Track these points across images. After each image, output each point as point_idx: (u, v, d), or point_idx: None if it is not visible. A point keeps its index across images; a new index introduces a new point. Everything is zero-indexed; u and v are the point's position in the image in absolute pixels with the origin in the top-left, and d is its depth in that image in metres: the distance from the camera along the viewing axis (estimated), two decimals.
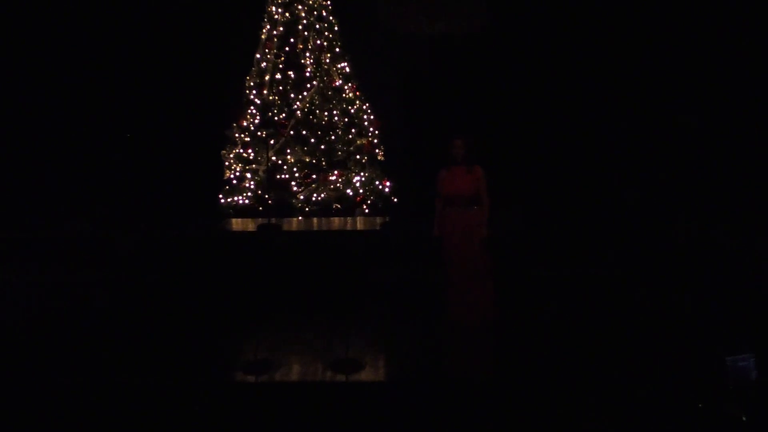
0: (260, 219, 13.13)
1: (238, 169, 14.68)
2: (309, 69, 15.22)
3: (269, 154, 14.24)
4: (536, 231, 10.50)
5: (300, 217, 13.91)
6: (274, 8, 15.35)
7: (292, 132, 14.86)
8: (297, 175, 14.58)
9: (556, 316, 8.91)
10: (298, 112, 14.96)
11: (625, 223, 10.42)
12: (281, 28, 15.32)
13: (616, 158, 10.96)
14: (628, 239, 10.15)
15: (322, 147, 14.79)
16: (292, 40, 15.30)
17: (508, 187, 9.79)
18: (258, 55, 15.18)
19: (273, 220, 11.95)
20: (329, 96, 15.19)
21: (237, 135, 14.89)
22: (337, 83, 15.26)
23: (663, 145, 10.71)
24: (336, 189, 14.46)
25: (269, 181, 14.21)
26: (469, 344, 7.95)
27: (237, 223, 12.98)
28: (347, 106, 15.13)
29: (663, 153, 10.68)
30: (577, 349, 7.54)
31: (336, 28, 15.44)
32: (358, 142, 14.92)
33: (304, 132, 14.85)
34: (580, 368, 6.97)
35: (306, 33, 15.35)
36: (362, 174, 14.59)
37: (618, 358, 7.12)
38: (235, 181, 14.54)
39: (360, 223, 12.85)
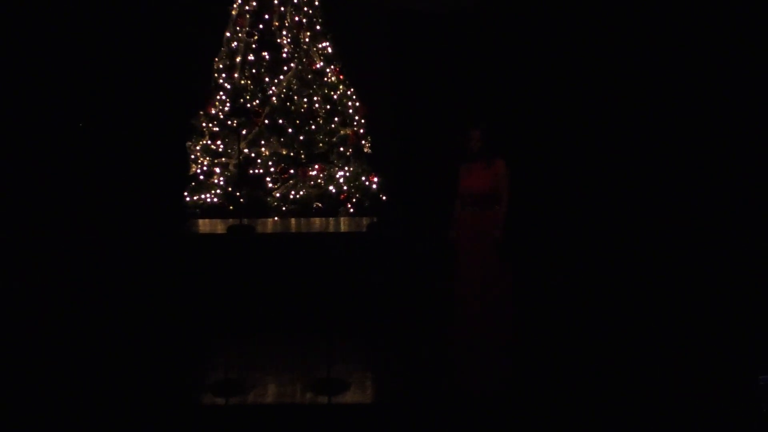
0: (231, 220, 13.13)
1: (205, 163, 14.67)
2: (286, 49, 15.22)
3: (241, 146, 14.24)
4: (556, 234, 10.52)
5: (276, 218, 13.91)
6: None
7: (266, 121, 14.86)
8: (272, 169, 14.58)
9: (574, 329, 8.96)
10: (274, 98, 14.96)
11: (655, 227, 10.47)
12: (254, 3, 15.32)
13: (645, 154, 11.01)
14: (655, 245, 10.20)
15: (301, 138, 14.80)
16: (266, 16, 15.30)
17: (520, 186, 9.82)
18: (228, 34, 15.17)
19: (245, 221, 11.95)
20: (309, 80, 15.20)
21: (204, 124, 14.89)
22: (318, 65, 15.27)
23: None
24: (317, 185, 14.46)
25: (241, 177, 14.21)
26: (477, 361, 7.97)
27: (204, 225, 12.97)
28: (329, 91, 15.13)
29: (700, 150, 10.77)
30: (596, 366, 7.58)
31: (317, 3, 15.45)
32: (342, 132, 14.92)
33: (280, 121, 14.85)
34: (598, 387, 7.01)
35: (282, 8, 15.36)
36: (346, 168, 14.60)
37: (641, 378, 7.15)
38: (201, 177, 14.53)
39: (344, 225, 12.85)
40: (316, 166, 14.66)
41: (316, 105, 15.02)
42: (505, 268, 8.49)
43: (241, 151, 14.22)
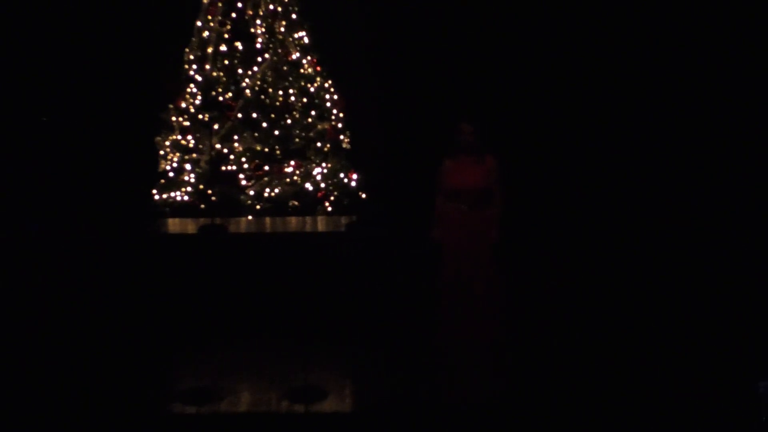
0: (202, 219, 13.09)
1: (175, 159, 14.63)
2: (260, 39, 15.20)
3: (213, 142, 14.21)
4: (550, 235, 10.53)
5: (250, 217, 13.89)
6: None
7: (240, 115, 14.83)
8: (246, 166, 14.55)
9: (568, 334, 8.97)
10: (248, 91, 14.94)
11: (654, 227, 10.50)
12: None
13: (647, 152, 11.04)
14: (653, 246, 10.24)
15: (276, 133, 14.78)
16: (240, 4, 15.27)
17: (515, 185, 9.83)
18: (199, 23, 15.13)
19: (217, 221, 11.92)
20: (285, 72, 15.18)
21: (174, 119, 14.84)
22: (294, 56, 15.26)
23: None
24: (293, 183, 14.45)
25: (213, 174, 14.18)
26: (465, 367, 7.96)
27: (174, 224, 12.93)
28: (306, 83, 15.12)
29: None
30: (592, 372, 7.60)
31: None
32: (320, 126, 14.92)
33: (254, 115, 14.83)
34: (594, 393, 7.02)
35: None
36: (324, 165, 14.59)
37: (640, 384, 7.17)
38: (171, 174, 14.49)
39: (322, 224, 12.84)
40: (292, 163, 14.64)
41: (292, 98, 15.01)
42: (497, 270, 8.48)
43: (213, 147, 14.19)
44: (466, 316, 8.36)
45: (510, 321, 8.56)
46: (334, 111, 14.97)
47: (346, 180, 14.40)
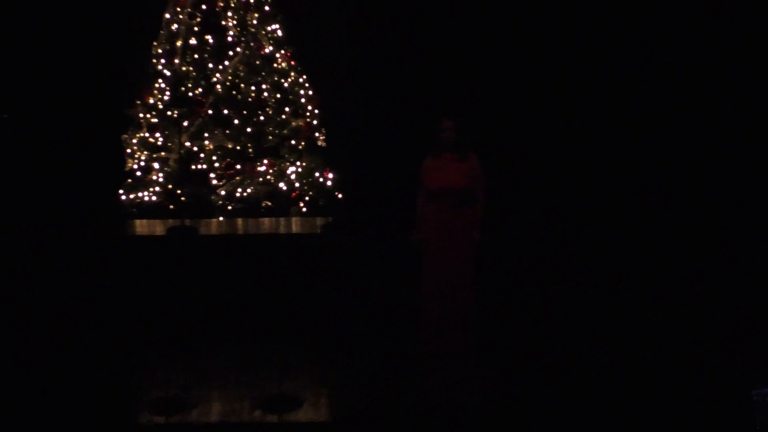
0: (171, 220, 13.07)
1: (143, 157, 14.60)
2: (232, 32, 15.18)
3: (182, 139, 14.18)
4: (534, 239, 10.55)
5: (221, 218, 13.87)
6: None
7: (210, 111, 14.82)
8: (217, 165, 14.54)
9: (553, 339, 8.99)
10: (219, 86, 14.92)
11: (637, 229, 10.55)
12: None
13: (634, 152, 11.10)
14: (638, 248, 10.27)
15: (249, 130, 14.78)
16: None
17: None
18: (168, 15, 15.10)
19: (187, 222, 11.89)
20: (257, 66, 15.18)
21: (141, 115, 14.81)
22: (267, 50, 15.25)
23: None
24: (266, 182, 14.45)
25: (182, 173, 14.15)
26: (445, 371, 7.97)
27: (142, 226, 12.89)
28: (280, 78, 15.12)
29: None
30: (579, 380, 7.61)
31: None
32: (294, 123, 14.92)
33: (225, 111, 14.82)
34: (582, 401, 7.03)
35: None
36: (299, 163, 14.59)
37: (631, 394, 7.18)
38: (139, 173, 14.46)
39: (296, 225, 12.83)
40: (265, 161, 14.64)
41: (265, 93, 15.01)
42: (475, 270, 8.49)
43: (182, 145, 14.16)
44: (447, 319, 8.36)
45: (486, 325, 8.59)
46: (309, 107, 14.98)
47: (321, 179, 14.40)
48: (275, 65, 15.21)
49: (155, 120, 14.80)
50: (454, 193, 8.36)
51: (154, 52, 14.95)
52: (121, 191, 14.14)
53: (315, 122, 14.85)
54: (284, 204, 14.22)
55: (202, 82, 14.97)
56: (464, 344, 8.37)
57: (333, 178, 14.27)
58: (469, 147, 8.55)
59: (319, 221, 12.88)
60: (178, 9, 15.16)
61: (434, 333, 8.39)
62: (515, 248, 10.37)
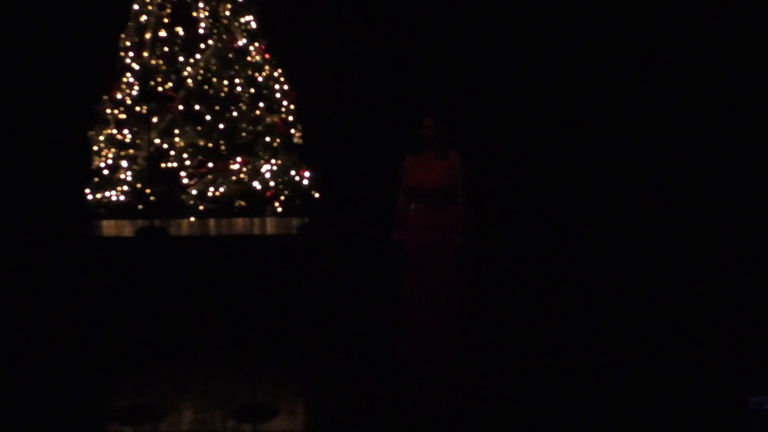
0: (140, 221, 13.05)
1: (110, 155, 14.57)
2: (203, 24, 15.16)
3: (151, 136, 14.16)
4: (522, 240, 10.58)
5: (192, 219, 13.86)
6: None
7: (181, 107, 14.79)
8: (188, 163, 14.52)
9: (545, 343, 9.02)
10: (190, 80, 14.90)
11: (631, 230, 10.60)
12: None
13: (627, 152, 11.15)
14: (632, 250, 10.32)
15: (221, 126, 14.76)
16: None
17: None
18: (136, 6, 15.07)
19: (156, 223, 11.89)
20: (230, 60, 15.16)
21: (108, 111, 14.77)
22: (241, 43, 15.23)
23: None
24: (239, 181, 14.44)
25: (151, 172, 14.13)
26: (425, 379, 7.97)
27: (109, 226, 12.88)
28: (254, 72, 15.11)
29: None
30: (570, 384, 7.64)
31: None
32: (268, 119, 14.91)
33: (197, 107, 14.80)
34: (571, 408, 7.06)
35: None
36: (273, 161, 14.58)
37: (625, 403, 7.21)
38: (106, 172, 14.43)
39: (271, 226, 12.84)
40: (239, 159, 14.63)
41: (239, 88, 14.99)
42: (459, 276, 8.47)
43: (151, 142, 14.15)
44: (428, 324, 8.35)
45: (472, 330, 8.58)
46: (285, 102, 14.97)
47: (297, 178, 14.41)
48: (249, 58, 15.20)
49: (123, 116, 14.76)
50: (433, 193, 8.34)
51: (121, 45, 14.92)
52: (87, 191, 14.10)
53: (290, 118, 14.85)
54: (258, 204, 14.22)
55: (173, 77, 14.94)
56: (449, 350, 8.37)
57: (309, 176, 14.28)
58: (451, 144, 8.55)
59: (295, 222, 12.90)
60: (147, 0, 15.13)
61: (413, 339, 8.38)
62: (505, 249, 10.41)
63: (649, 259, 10.29)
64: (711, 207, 10.60)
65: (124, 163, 14.48)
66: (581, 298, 9.94)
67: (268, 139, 14.75)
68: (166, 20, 15.13)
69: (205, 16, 15.18)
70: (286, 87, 14.99)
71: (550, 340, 9.19)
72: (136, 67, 14.93)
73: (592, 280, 10.13)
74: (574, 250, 10.36)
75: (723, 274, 9.85)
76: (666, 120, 11.05)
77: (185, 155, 14.56)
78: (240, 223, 13.08)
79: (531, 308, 9.91)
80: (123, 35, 14.92)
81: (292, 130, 14.83)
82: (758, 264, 9.82)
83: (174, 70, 15.00)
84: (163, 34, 15.08)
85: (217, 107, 14.85)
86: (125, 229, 12.25)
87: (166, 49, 15.09)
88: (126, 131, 14.72)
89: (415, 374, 8.12)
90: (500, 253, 10.39)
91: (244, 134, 14.77)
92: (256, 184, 14.31)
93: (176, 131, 14.72)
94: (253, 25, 15.30)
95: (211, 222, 13.41)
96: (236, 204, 14.20)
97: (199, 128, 14.75)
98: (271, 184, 14.33)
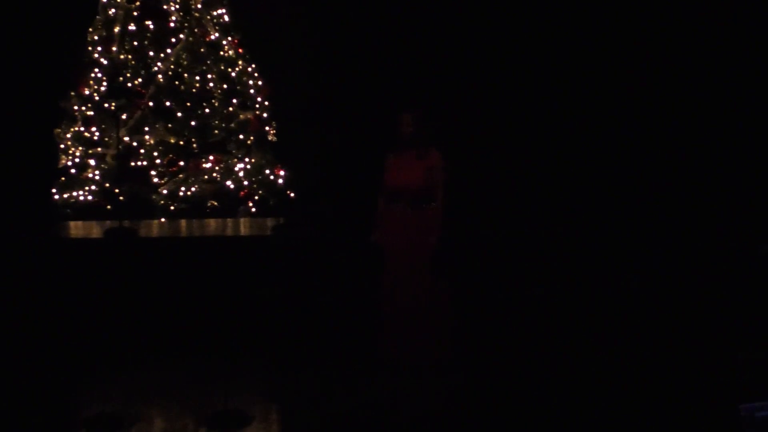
0: (108, 222, 13.02)
1: (77, 153, 14.52)
2: (174, 18, 15.13)
3: (120, 134, 14.12)
4: (509, 242, 10.61)
5: (162, 219, 13.84)
6: None
7: (151, 103, 14.76)
8: (158, 161, 14.49)
9: (533, 346, 9.04)
10: (160, 75, 14.87)
11: (630, 230, 10.64)
12: None
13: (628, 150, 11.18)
14: (633, 254, 10.37)
15: (193, 123, 14.73)
16: None
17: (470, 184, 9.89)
18: None
19: (126, 224, 11.87)
20: (202, 54, 15.13)
21: (76, 108, 14.73)
22: (213, 37, 15.21)
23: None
24: (212, 180, 14.41)
25: (120, 171, 14.10)
26: (412, 385, 7.99)
27: (77, 228, 12.84)
28: (226, 67, 15.08)
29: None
30: (556, 393, 7.67)
31: None
32: (242, 116, 14.89)
33: (167, 103, 14.77)
34: (560, 417, 7.10)
35: None
36: (247, 160, 14.57)
37: (615, 416, 7.24)
38: (73, 171, 14.38)
39: (245, 227, 12.82)
40: (211, 158, 14.60)
41: (211, 84, 14.96)
42: (440, 279, 8.49)
43: (120, 140, 14.10)
44: (409, 326, 8.37)
45: (456, 335, 8.60)
46: (259, 98, 14.95)
47: (272, 177, 14.39)
48: (222, 53, 15.16)
49: (91, 113, 14.71)
50: (411, 192, 8.35)
51: (89, 39, 14.86)
52: (53, 190, 14.08)
53: (265, 115, 14.82)
54: (232, 204, 14.20)
55: (142, 72, 14.90)
56: (433, 352, 8.39)
57: (284, 175, 14.27)
58: (430, 143, 8.56)
59: (269, 222, 12.88)
60: None
61: (396, 341, 8.41)
62: (491, 249, 10.43)
63: (642, 261, 10.34)
64: (700, 210, 10.65)
65: (92, 162, 14.43)
66: (569, 302, 9.98)
67: (241, 136, 14.73)
68: (135, 13, 15.07)
69: (176, 9, 15.14)
70: (260, 82, 14.97)
71: (545, 342, 9.22)
72: (104, 62, 14.88)
73: (580, 283, 10.17)
74: (562, 251, 10.39)
75: (714, 279, 9.90)
76: (652, 112, 11.09)
77: (155, 153, 14.52)
78: (212, 224, 13.06)
79: (525, 308, 9.95)
80: (90, 29, 14.88)
81: (267, 128, 14.81)
82: (752, 268, 9.86)
83: (144, 65, 14.95)
84: (132, 27, 15.04)
85: (188, 104, 14.82)
86: (93, 230, 12.22)
87: (135, 43, 15.05)
88: (94, 129, 14.67)
89: (398, 378, 8.15)
90: (484, 254, 10.42)
91: (216, 132, 14.75)
92: (229, 184, 14.30)
93: (146, 128, 14.68)
94: (226, 18, 15.27)
95: (183, 223, 13.39)
96: (208, 204, 14.17)
97: (169, 125, 14.71)
98: (245, 183, 14.31)
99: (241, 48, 15.20)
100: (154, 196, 14.15)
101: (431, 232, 8.34)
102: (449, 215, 8.52)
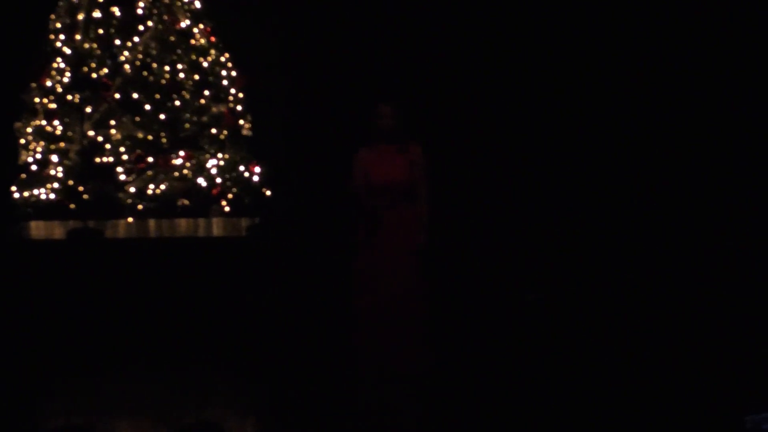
0: (72, 222, 13.04)
1: (39, 149, 14.54)
2: (142, 4, 15.15)
3: (85, 128, 14.14)
4: (496, 241, 10.64)
5: (130, 219, 13.85)
6: None
7: (117, 95, 14.78)
8: (126, 157, 14.51)
9: (519, 353, 9.08)
10: (127, 66, 14.89)
11: (620, 230, 10.68)
12: None
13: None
14: (626, 254, 10.41)
15: (162, 117, 14.76)
16: None
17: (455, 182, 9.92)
18: None
19: (91, 224, 11.89)
20: (172, 43, 15.15)
21: (37, 100, 14.74)
22: (183, 24, 15.23)
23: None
24: (182, 178, 14.44)
25: (85, 167, 14.11)
26: (388, 392, 8.02)
27: (38, 228, 12.85)
28: (198, 57, 15.11)
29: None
30: (545, 399, 7.71)
31: None
32: (215, 109, 14.92)
33: (135, 95, 14.79)
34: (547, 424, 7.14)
35: None
36: (220, 156, 14.60)
37: (610, 418, 7.29)
38: (35, 167, 14.40)
39: (218, 227, 12.85)
40: (182, 153, 14.63)
41: (181, 75, 14.99)
42: (422, 279, 8.49)
43: (84, 135, 14.13)
44: (391, 335, 8.37)
45: (438, 342, 8.63)
46: (233, 90, 14.98)
47: (247, 174, 14.43)
48: (193, 42, 15.20)
49: (53, 106, 14.73)
50: (396, 189, 8.33)
51: (51, 27, 14.87)
52: (13, 188, 14.05)
53: (239, 108, 14.86)
54: (204, 202, 14.23)
55: (108, 62, 14.93)
56: (414, 362, 8.40)
57: (260, 172, 14.29)
58: (410, 135, 8.54)
59: (244, 222, 12.91)
60: None
61: (377, 351, 8.40)
62: (476, 251, 10.47)
63: (635, 263, 10.39)
64: (690, 211, 10.72)
65: (54, 158, 14.45)
66: (562, 303, 10.03)
67: (214, 131, 14.76)
68: (100, 0, 15.10)
69: None
70: (234, 73, 14.99)
71: (531, 349, 9.26)
72: (67, 51, 14.90)
73: (570, 285, 10.23)
74: (547, 252, 10.44)
75: (717, 287, 9.95)
76: (636, 105, 11.15)
77: (122, 149, 14.55)
78: (183, 224, 13.10)
79: (509, 314, 9.99)
80: (53, 16, 14.86)
81: (241, 121, 14.84)
82: (756, 278, 9.92)
83: (110, 54, 14.98)
84: (97, 14, 15.06)
85: (157, 96, 14.85)
86: (56, 230, 12.24)
87: (100, 31, 15.07)
88: (57, 122, 14.69)
89: (379, 388, 8.16)
90: (469, 255, 10.46)
91: (187, 126, 14.78)
92: (201, 181, 14.33)
93: (112, 122, 14.71)
94: (197, 4, 15.29)
95: (152, 223, 13.41)
96: (179, 203, 14.20)
97: (137, 119, 14.74)
98: (218, 180, 14.35)
99: (213, 36, 15.22)
100: (120, 195, 14.18)
101: (416, 230, 8.33)
102: (435, 213, 8.53)
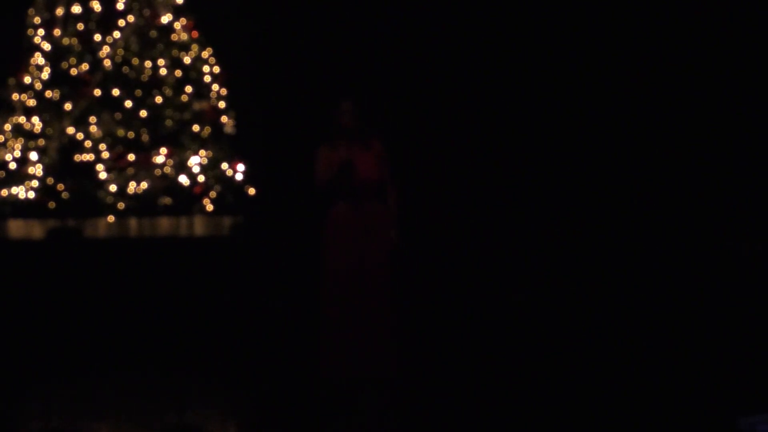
0: (51, 221, 13.02)
1: (18, 147, 14.52)
2: None
3: (64, 125, 14.13)
4: (472, 240, 10.65)
5: (110, 218, 13.84)
6: None
7: (98, 92, 14.76)
8: (106, 155, 14.49)
9: (493, 358, 9.09)
10: (107, 62, 14.87)
11: (611, 227, 10.69)
12: None
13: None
14: (619, 254, 10.43)
15: (143, 114, 14.74)
16: None
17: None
18: None
19: (70, 223, 11.87)
20: (152, 38, 15.14)
21: (16, 97, 14.72)
22: (165, 19, 15.21)
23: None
24: (164, 176, 14.43)
25: (64, 165, 14.10)
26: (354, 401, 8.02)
27: (16, 227, 12.83)
28: (179, 52, 15.09)
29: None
30: (536, 406, 7.72)
31: None
32: (197, 106, 14.91)
33: (115, 92, 14.77)
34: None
35: None
36: (202, 153, 14.59)
37: (603, 422, 7.30)
38: (13, 165, 14.38)
39: (200, 226, 12.84)
40: (163, 151, 14.62)
41: (163, 71, 14.98)
42: (391, 280, 8.49)
43: (64, 132, 14.11)
44: (359, 338, 8.34)
45: (407, 345, 8.63)
46: (215, 87, 14.98)
47: (229, 172, 14.42)
48: (174, 37, 15.19)
49: (32, 102, 14.72)
50: (366, 185, 8.30)
51: (29, 22, 14.87)
52: None
53: (221, 104, 14.87)
54: (186, 201, 14.23)
55: (88, 58, 14.91)
56: (384, 366, 8.38)
57: (243, 170, 14.30)
58: (372, 132, 8.51)
59: (226, 221, 12.91)
60: None
61: (343, 356, 8.36)
62: (464, 252, 10.48)
63: (626, 263, 10.41)
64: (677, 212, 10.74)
65: (33, 156, 14.44)
66: (543, 305, 10.05)
67: (196, 128, 14.76)
68: None
69: None
70: (216, 69, 15.00)
71: (504, 353, 9.28)
72: (46, 46, 14.89)
73: (547, 285, 10.25)
74: (535, 252, 10.46)
75: (710, 288, 9.97)
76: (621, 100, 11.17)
77: (102, 146, 14.54)
78: (165, 223, 13.08)
79: (484, 317, 10.01)
80: (31, 11, 14.87)
81: (224, 118, 14.85)
82: (751, 279, 9.95)
83: (89, 50, 14.97)
84: (77, 9, 15.04)
85: (138, 92, 14.84)
86: (35, 229, 12.22)
87: (80, 26, 15.06)
88: (36, 119, 14.68)
89: (345, 394, 8.15)
90: (457, 256, 10.47)
91: (169, 122, 14.77)
92: (183, 179, 14.32)
93: (92, 119, 14.70)
94: None
95: (132, 222, 13.39)
96: (160, 201, 14.19)
97: (118, 116, 14.73)
98: (200, 178, 14.35)
99: (195, 31, 15.22)
100: (100, 193, 14.17)
101: (387, 228, 8.31)
102: (403, 210, 8.52)
